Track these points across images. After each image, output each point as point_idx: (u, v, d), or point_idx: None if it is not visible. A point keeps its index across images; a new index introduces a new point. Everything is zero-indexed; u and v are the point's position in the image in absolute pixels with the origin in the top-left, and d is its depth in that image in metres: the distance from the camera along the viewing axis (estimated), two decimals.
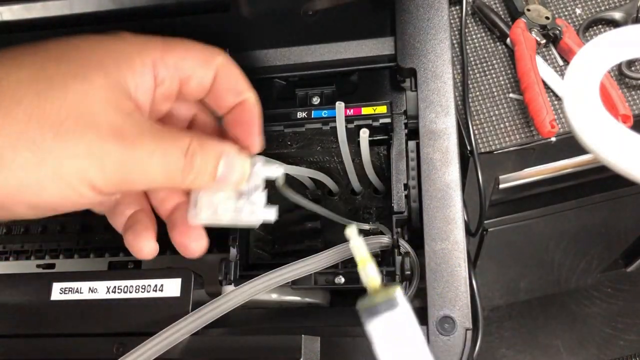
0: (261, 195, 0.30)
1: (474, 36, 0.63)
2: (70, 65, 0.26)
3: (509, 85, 0.60)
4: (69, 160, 0.25)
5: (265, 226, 0.32)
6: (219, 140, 0.29)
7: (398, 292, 0.23)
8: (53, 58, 0.26)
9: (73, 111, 0.25)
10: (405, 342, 0.22)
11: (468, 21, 0.64)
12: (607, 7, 0.62)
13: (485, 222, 0.66)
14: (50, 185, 0.25)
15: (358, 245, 0.25)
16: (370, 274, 0.24)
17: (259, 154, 0.31)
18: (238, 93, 0.31)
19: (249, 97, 0.31)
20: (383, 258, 0.37)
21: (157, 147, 0.27)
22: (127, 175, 0.26)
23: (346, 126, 0.35)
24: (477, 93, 0.60)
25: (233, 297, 0.33)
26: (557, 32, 0.60)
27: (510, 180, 0.62)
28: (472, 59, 0.62)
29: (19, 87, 0.25)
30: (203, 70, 0.30)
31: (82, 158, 0.25)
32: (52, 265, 0.47)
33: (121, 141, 0.26)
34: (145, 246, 0.31)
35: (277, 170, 0.31)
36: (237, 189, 0.30)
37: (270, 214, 0.30)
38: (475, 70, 0.61)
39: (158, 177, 0.27)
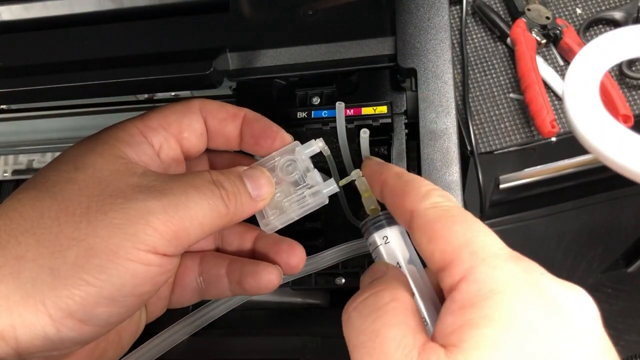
0: (315, 174, 0.30)
1: (474, 36, 0.63)
2: (68, 165, 0.26)
3: (509, 85, 0.60)
4: (115, 234, 0.24)
5: None
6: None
7: (383, 215, 0.29)
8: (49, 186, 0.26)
9: (90, 191, 0.25)
10: (389, 253, 0.28)
11: (468, 21, 0.64)
12: (607, 7, 0.62)
13: (486, 222, 0.66)
14: (112, 266, 0.23)
15: (364, 181, 0.31)
16: (371, 201, 0.30)
17: None
18: (234, 117, 0.31)
19: (245, 112, 0.31)
20: None
21: (187, 185, 0.26)
22: (176, 223, 0.25)
23: (346, 126, 0.35)
24: (477, 93, 0.60)
25: (233, 296, 0.33)
26: (558, 32, 0.60)
27: (511, 180, 0.62)
28: (472, 58, 0.62)
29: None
30: (187, 119, 0.30)
31: (125, 226, 0.24)
32: None
33: (150, 194, 0.25)
34: (272, 275, 0.30)
35: (317, 144, 0.31)
36: (289, 182, 0.30)
37: (332, 187, 0.30)
38: (476, 70, 0.61)
39: (204, 212, 0.26)
